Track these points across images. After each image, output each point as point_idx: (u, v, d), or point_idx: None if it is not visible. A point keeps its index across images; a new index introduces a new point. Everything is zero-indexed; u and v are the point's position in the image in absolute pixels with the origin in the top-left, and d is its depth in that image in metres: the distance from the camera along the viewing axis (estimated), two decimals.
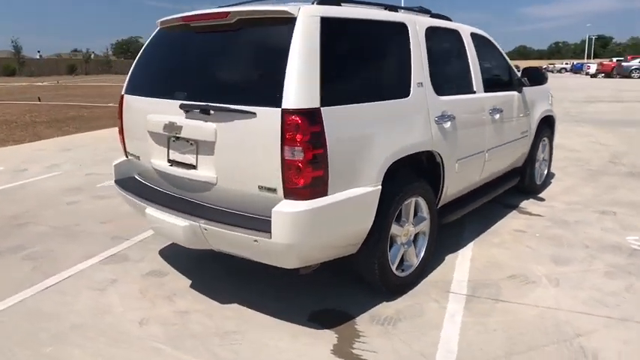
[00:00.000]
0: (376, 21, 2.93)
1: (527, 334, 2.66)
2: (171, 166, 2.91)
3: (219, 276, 3.43)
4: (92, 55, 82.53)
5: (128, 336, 2.71)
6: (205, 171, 2.70)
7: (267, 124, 2.36)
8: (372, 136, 2.67)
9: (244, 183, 2.53)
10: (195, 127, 2.66)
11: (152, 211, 2.88)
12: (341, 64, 2.57)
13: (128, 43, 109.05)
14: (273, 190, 2.41)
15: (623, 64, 32.37)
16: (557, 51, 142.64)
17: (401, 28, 3.08)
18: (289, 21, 2.45)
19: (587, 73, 36.56)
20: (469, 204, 3.80)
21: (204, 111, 2.59)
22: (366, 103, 2.66)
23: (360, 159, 2.58)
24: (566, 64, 57.74)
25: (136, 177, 3.43)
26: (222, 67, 2.74)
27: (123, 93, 3.34)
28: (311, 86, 2.34)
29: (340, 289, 3.19)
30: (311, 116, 2.31)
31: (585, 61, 56.10)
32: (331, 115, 2.40)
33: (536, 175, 5.12)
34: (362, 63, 2.78)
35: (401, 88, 2.95)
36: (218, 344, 2.61)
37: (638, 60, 32.69)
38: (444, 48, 3.49)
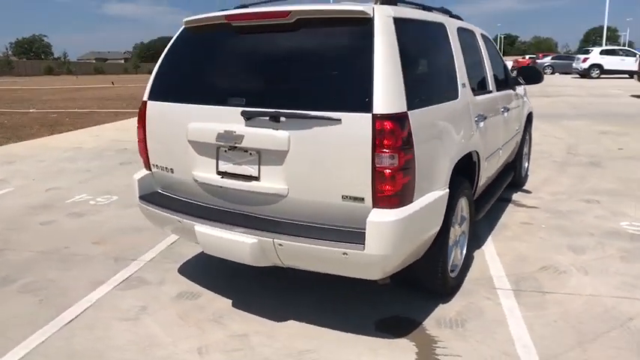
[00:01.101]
0: (427, 22, 2.92)
1: (586, 323, 2.79)
2: (222, 178, 2.69)
3: (257, 292, 3.24)
4: None
5: None
6: (271, 182, 2.52)
7: (355, 131, 2.26)
8: (442, 138, 2.66)
9: (324, 193, 2.40)
10: (262, 136, 2.47)
11: (205, 229, 2.65)
12: (412, 65, 2.52)
13: (31, 42, 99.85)
14: (360, 200, 2.32)
15: (537, 61, 35.27)
16: None
17: (443, 29, 3.09)
18: (365, 21, 2.36)
19: None
20: (489, 200, 3.91)
21: (274, 118, 2.42)
22: (434, 106, 2.64)
23: (435, 162, 2.56)
24: None
25: (161, 191, 3.14)
26: (289, 71, 2.57)
27: (146, 99, 3.03)
28: (399, 89, 2.28)
29: (389, 294, 3.14)
30: (401, 121, 2.25)
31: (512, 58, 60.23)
32: (414, 118, 2.35)
33: (522, 169, 5.41)
34: (425, 64, 2.76)
35: (453, 90, 2.96)
36: None
37: (549, 57, 35.81)
38: (470, 48, 3.56)
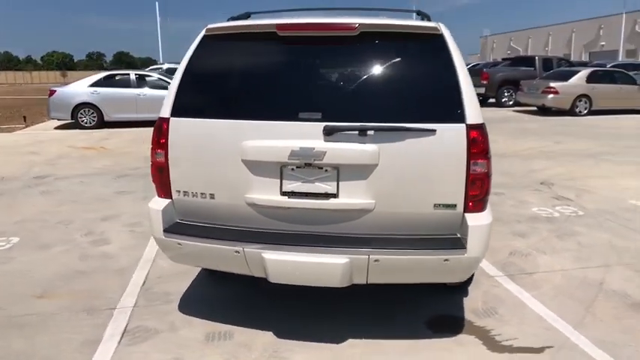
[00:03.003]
0: None
1: (577, 293, 3.36)
2: (289, 198, 2.50)
3: (286, 318, 3.05)
4: None
5: None
6: (354, 198, 2.45)
7: (450, 140, 2.37)
8: None
9: (414, 204, 2.44)
10: (349, 151, 2.39)
11: (279, 255, 2.42)
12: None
13: None
14: (453, 206, 2.43)
15: None
16: None
17: None
18: (436, 37, 2.50)
19: None
20: None
21: (362, 132, 2.37)
22: None
23: None
24: None
25: (182, 221, 2.73)
26: (370, 85, 2.51)
27: (167, 116, 2.61)
28: (477, 100, 2.46)
29: (408, 298, 3.28)
30: (485, 129, 2.44)
31: None
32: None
33: None
34: None
35: None
36: None
37: None
38: None
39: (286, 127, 2.45)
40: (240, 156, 2.50)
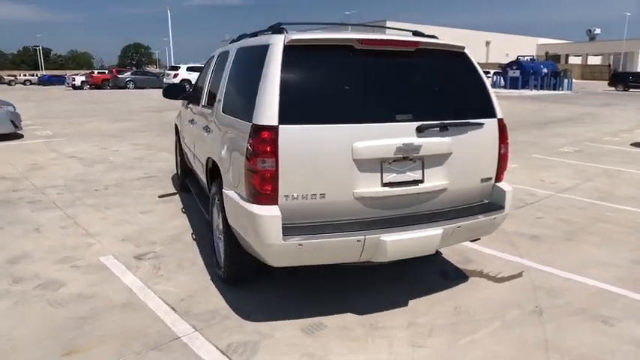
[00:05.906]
0: None
1: (498, 237, 4.73)
2: (391, 188, 2.97)
3: (349, 298, 3.44)
4: None
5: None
6: (434, 182, 3.11)
7: (490, 131, 3.28)
8: None
9: (470, 180, 3.26)
10: (436, 144, 3.03)
11: (394, 237, 2.88)
12: None
13: None
14: (490, 179, 3.35)
15: (119, 75, 35.82)
16: None
17: None
18: (461, 54, 3.34)
19: (73, 85, 37.45)
20: None
21: (444, 128, 3.02)
22: None
23: None
24: (33, 75, 56.65)
25: (285, 224, 2.83)
26: (435, 89, 3.17)
27: (275, 124, 2.70)
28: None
29: (401, 265, 4.07)
30: (504, 121, 3.40)
31: (70, 72, 55.79)
32: None
33: None
34: None
35: None
36: (465, 333, 3.23)
37: (129, 73, 37.20)
38: None
39: (387, 127, 2.93)
40: (351, 156, 2.84)
